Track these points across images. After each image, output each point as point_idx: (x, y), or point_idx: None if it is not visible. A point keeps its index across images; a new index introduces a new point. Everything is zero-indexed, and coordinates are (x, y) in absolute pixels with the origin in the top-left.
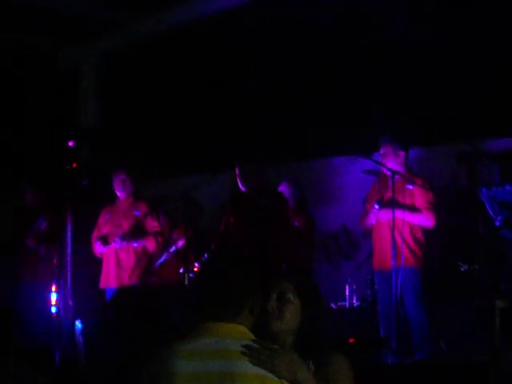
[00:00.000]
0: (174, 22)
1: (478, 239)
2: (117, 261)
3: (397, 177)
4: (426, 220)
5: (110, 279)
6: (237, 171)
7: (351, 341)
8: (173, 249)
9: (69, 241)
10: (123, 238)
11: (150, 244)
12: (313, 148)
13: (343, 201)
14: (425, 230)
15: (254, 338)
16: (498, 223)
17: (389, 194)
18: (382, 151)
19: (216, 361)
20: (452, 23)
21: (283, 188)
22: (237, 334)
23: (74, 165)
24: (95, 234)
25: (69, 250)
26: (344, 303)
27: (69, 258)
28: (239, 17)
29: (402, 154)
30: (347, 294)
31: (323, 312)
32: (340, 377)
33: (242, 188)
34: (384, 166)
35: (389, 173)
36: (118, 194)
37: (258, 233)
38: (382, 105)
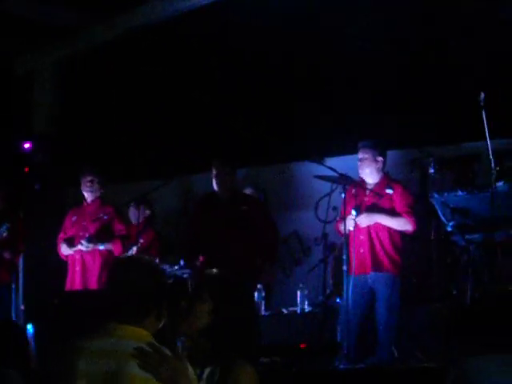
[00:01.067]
0: (130, 25)
1: (430, 245)
2: (82, 264)
3: (377, 181)
4: (406, 224)
5: (75, 282)
6: (214, 172)
7: (302, 346)
8: (134, 250)
9: (21, 245)
10: (89, 240)
11: (117, 247)
12: (267, 153)
13: (294, 206)
14: (402, 236)
15: (151, 341)
16: (449, 229)
17: (368, 199)
18: (360, 155)
19: (110, 360)
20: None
21: (247, 192)
22: (135, 336)
23: (26, 169)
24: (61, 236)
25: (20, 254)
26: (295, 308)
27: (21, 262)
28: (197, 20)
29: (381, 159)
30: (299, 299)
31: (243, 319)
32: None
33: (218, 190)
34: (335, 171)
35: (345, 179)
36: (86, 195)
37: (240, 237)
38: (334, 111)
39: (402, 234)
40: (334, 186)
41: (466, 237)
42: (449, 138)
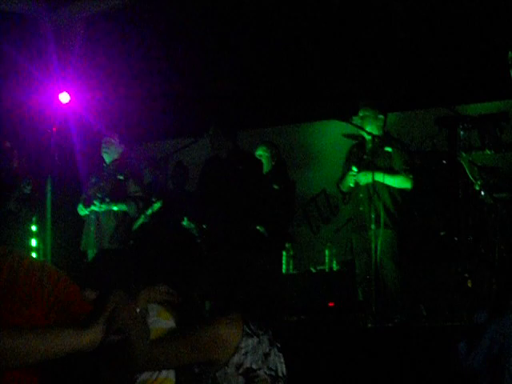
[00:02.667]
0: None
1: (458, 203)
2: (98, 224)
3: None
4: (404, 182)
5: (90, 241)
6: (211, 135)
7: (331, 304)
8: (149, 212)
9: (49, 204)
10: (101, 200)
11: (131, 208)
12: (292, 112)
13: (323, 165)
14: (403, 193)
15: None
16: (477, 187)
17: (367, 157)
18: (361, 114)
19: None
20: None
21: (261, 151)
22: None
23: (54, 129)
24: (82, 197)
25: (48, 214)
26: (324, 267)
27: (48, 222)
28: None
29: (381, 117)
30: (327, 258)
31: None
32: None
33: (215, 152)
34: (363, 129)
35: (368, 136)
36: (104, 156)
37: (233, 197)
38: (362, 69)
39: (401, 191)
40: None
41: (494, 195)
42: (477, 96)
